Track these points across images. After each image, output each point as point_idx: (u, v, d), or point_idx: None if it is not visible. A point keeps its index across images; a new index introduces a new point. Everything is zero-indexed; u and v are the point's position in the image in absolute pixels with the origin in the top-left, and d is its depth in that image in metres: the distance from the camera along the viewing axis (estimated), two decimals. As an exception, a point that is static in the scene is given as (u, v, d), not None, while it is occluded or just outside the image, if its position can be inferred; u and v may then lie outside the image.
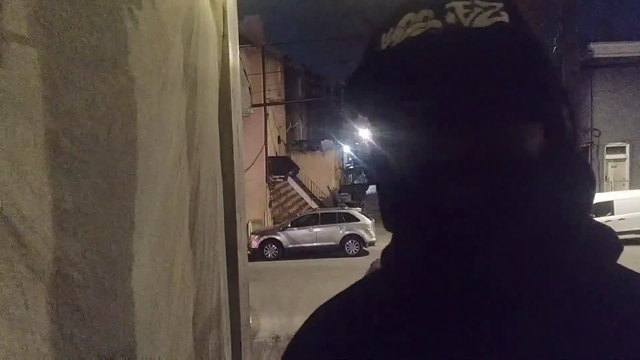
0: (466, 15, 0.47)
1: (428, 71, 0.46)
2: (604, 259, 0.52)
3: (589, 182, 0.50)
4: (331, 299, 0.63)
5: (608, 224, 0.54)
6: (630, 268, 0.55)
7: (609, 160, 21.02)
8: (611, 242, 0.54)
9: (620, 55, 19.75)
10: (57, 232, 0.79)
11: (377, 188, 0.57)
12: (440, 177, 0.46)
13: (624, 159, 20.97)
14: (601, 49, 20.07)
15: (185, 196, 1.33)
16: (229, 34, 1.77)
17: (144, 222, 1.02)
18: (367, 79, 0.51)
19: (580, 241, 0.48)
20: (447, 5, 0.47)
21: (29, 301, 0.73)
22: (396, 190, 0.51)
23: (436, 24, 0.47)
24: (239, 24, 1.90)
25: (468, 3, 0.47)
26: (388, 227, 0.56)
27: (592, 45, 19.96)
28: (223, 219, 1.72)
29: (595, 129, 20.40)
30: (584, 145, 18.18)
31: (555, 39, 10.49)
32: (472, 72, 0.44)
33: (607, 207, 13.69)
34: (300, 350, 0.61)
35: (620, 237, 0.55)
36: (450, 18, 0.47)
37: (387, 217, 0.55)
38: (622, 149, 20.85)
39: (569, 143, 0.50)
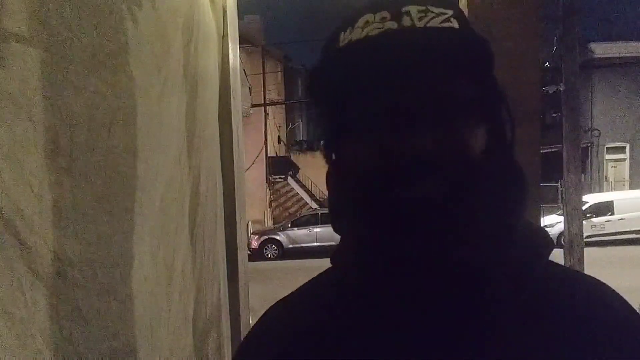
0: (420, 19, 0.50)
1: (383, 66, 0.48)
2: (537, 255, 0.55)
3: (522, 184, 0.53)
4: (280, 301, 0.65)
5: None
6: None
7: (609, 160, 21.03)
8: (543, 239, 0.57)
9: (620, 55, 19.77)
10: (57, 232, 0.79)
11: (331, 188, 0.58)
12: (394, 172, 0.48)
13: (624, 159, 20.99)
14: (601, 49, 20.09)
15: (185, 196, 1.33)
16: (229, 34, 1.77)
17: (144, 222, 1.02)
18: (326, 75, 0.54)
19: (516, 238, 0.52)
20: (403, 9, 0.51)
21: (29, 301, 0.73)
22: (352, 187, 0.52)
23: (392, 25, 0.50)
24: (239, 24, 1.90)
25: (422, 8, 0.51)
26: (339, 227, 0.58)
27: (592, 45, 19.98)
28: (223, 219, 1.72)
29: (595, 129, 20.40)
30: (584, 145, 18.15)
31: (555, 39, 10.49)
32: (425, 68, 0.48)
33: (607, 207, 13.65)
34: (250, 351, 0.62)
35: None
36: (405, 21, 0.50)
37: (341, 216, 0.57)
38: (622, 149, 20.87)
39: (508, 145, 0.53)
